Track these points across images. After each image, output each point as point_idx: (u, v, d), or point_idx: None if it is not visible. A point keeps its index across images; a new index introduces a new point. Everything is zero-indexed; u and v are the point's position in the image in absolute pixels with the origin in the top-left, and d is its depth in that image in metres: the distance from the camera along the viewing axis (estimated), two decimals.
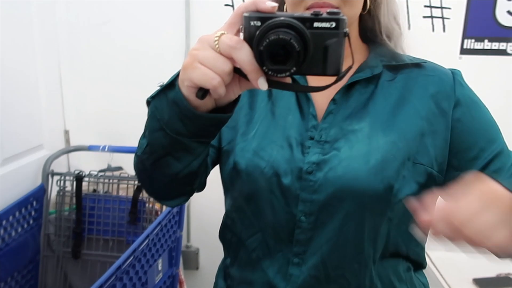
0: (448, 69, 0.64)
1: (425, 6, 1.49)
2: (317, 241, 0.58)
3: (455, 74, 0.62)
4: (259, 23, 0.41)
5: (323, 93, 0.49)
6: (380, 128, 0.58)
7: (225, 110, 0.48)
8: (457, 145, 0.59)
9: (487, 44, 1.49)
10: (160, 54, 1.49)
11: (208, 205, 1.65)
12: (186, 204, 1.46)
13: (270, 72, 0.41)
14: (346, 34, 0.42)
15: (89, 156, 1.47)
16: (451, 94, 0.60)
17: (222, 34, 0.43)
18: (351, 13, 0.57)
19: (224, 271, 0.71)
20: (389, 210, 0.57)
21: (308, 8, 0.55)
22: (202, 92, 0.44)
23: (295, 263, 0.60)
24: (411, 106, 0.60)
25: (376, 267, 0.60)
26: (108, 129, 1.53)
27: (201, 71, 0.43)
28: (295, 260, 0.60)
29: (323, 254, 0.58)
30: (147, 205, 1.26)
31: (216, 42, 0.42)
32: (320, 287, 0.60)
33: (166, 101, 0.48)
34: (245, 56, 0.41)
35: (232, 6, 1.46)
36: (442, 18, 1.50)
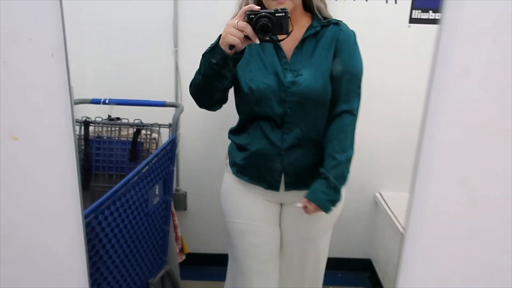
0: (350, 30, 1.15)
1: None
2: (296, 121, 1.10)
3: (342, 24, 1.14)
4: (253, 16, 0.96)
5: (290, 44, 1.09)
6: (320, 62, 1.08)
7: (238, 54, 0.99)
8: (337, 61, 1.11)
9: (431, 15, 1.78)
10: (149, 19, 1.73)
11: (194, 155, 1.94)
12: (176, 151, 1.73)
13: (259, 36, 0.96)
14: (289, 16, 0.96)
15: (91, 108, 1.71)
16: (346, 40, 1.10)
17: (238, 21, 0.96)
18: (296, 2, 1.08)
19: (236, 145, 1.21)
20: (326, 101, 1.11)
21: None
22: (230, 46, 0.97)
23: (286, 133, 1.11)
24: (330, 48, 1.09)
25: (323, 126, 1.14)
26: (107, 84, 1.77)
27: (230, 38, 0.96)
28: (285, 131, 1.11)
29: (300, 127, 1.11)
30: (144, 145, 1.53)
31: (235, 24, 0.96)
32: (299, 142, 1.12)
33: (213, 53, 1.00)
34: (249, 30, 0.95)
35: None
36: None
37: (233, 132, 1.23)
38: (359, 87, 1.13)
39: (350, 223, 1.99)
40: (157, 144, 1.56)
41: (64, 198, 0.55)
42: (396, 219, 1.74)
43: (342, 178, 1.10)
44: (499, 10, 0.46)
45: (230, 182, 1.24)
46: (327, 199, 1.08)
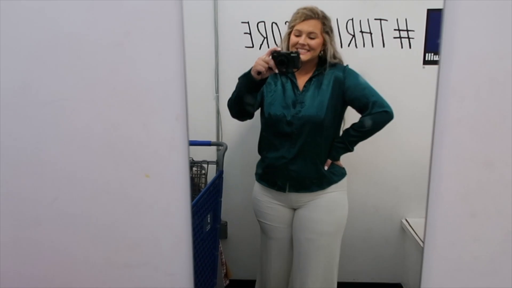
0: (345, 65, 1.58)
1: (395, 29, 2.02)
2: (301, 138, 1.50)
3: (346, 67, 1.56)
4: (276, 54, 1.40)
5: (302, 82, 1.55)
6: (320, 95, 1.51)
7: (262, 81, 1.43)
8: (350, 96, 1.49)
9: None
10: None
11: (233, 188, 2.18)
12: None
13: (278, 67, 1.41)
14: (299, 57, 1.41)
15: None
16: (344, 75, 1.49)
17: (265, 57, 1.40)
18: (315, 53, 1.53)
19: (260, 156, 1.65)
20: (323, 123, 1.48)
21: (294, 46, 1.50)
22: (258, 73, 1.42)
23: (292, 147, 1.51)
24: (329, 85, 1.50)
25: (324, 146, 1.53)
26: None
27: (259, 67, 1.41)
28: (292, 146, 1.52)
29: (303, 142, 1.50)
30: (195, 180, 1.78)
31: (263, 58, 1.40)
32: (301, 154, 1.51)
33: (246, 77, 1.45)
34: (272, 63, 1.40)
35: (250, 33, 2.00)
36: (408, 38, 2.03)
37: (259, 148, 1.65)
38: (371, 89, 1.52)
39: (379, 249, 2.16)
40: (205, 178, 1.80)
41: (177, 220, 0.79)
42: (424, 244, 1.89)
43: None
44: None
45: (257, 191, 1.68)
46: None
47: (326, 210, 1.58)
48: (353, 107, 1.55)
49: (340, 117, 1.56)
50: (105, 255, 0.82)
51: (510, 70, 0.67)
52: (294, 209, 1.63)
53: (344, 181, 1.63)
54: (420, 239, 1.93)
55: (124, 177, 0.77)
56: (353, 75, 1.54)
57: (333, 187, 1.58)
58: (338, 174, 1.59)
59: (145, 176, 0.77)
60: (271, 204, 1.64)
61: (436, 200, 0.73)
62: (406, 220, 2.11)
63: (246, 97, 1.49)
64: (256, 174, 1.68)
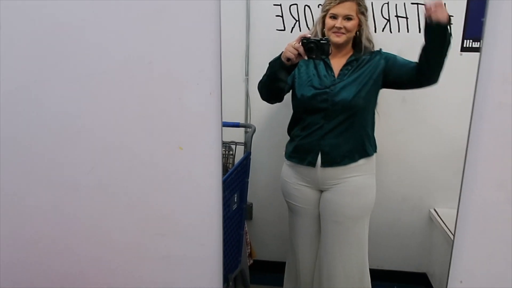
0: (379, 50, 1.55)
1: None
2: (334, 118, 1.51)
3: (381, 51, 1.54)
4: (305, 41, 1.36)
5: (337, 62, 1.53)
6: (357, 80, 1.51)
7: (292, 66, 1.43)
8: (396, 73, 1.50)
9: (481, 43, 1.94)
10: None
11: (259, 170, 2.19)
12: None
13: (307, 54, 1.38)
14: (329, 44, 1.37)
15: None
16: (382, 59, 1.51)
17: (295, 43, 1.37)
18: (351, 35, 1.51)
19: (289, 135, 1.66)
20: (354, 105, 1.49)
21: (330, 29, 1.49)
22: (288, 59, 1.40)
23: (326, 123, 1.53)
24: (373, 73, 1.49)
25: (357, 125, 1.54)
26: None
27: (288, 53, 1.39)
28: (325, 123, 1.53)
29: (336, 122, 1.52)
30: (223, 160, 1.80)
31: (293, 45, 1.38)
32: (335, 131, 1.52)
33: (276, 62, 1.45)
34: (301, 50, 1.37)
35: (282, 16, 1.98)
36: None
37: (289, 129, 1.67)
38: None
39: (406, 237, 2.14)
40: (233, 159, 1.83)
41: (209, 191, 0.81)
42: (452, 234, 1.86)
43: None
44: None
45: (285, 172, 1.72)
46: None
47: (353, 194, 1.59)
48: (403, 81, 1.53)
49: (375, 100, 1.56)
50: (139, 224, 0.85)
51: None
52: (321, 192, 1.65)
53: (372, 163, 1.63)
54: (448, 229, 1.90)
55: (158, 149, 0.79)
56: (391, 56, 1.55)
57: (363, 166, 1.59)
58: (369, 148, 1.60)
59: (179, 149, 0.79)
60: (298, 186, 1.67)
61: (471, 186, 0.72)
62: (435, 210, 2.08)
63: (277, 81, 1.49)
64: (286, 152, 1.70)
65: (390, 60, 1.53)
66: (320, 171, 1.59)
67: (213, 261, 0.84)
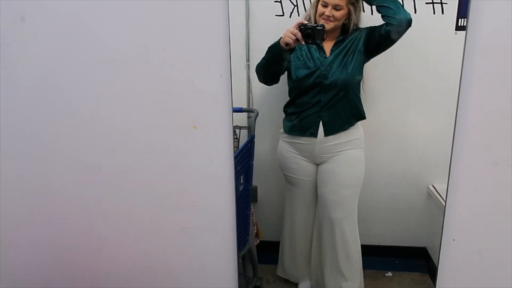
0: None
1: None
2: (330, 91, 1.64)
3: (367, 28, 1.66)
4: (303, 27, 1.49)
5: (328, 44, 1.66)
6: (345, 58, 1.64)
7: (290, 50, 1.55)
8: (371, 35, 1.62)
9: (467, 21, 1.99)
10: None
11: (263, 154, 2.26)
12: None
13: (305, 39, 1.51)
14: (324, 30, 1.50)
15: None
16: (363, 31, 1.63)
17: (293, 29, 1.49)
18: (338, 23, 1.63)
19: (285, 114, 1.78)
20: (349, 81, 1.62)
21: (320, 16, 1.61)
22: (286, 44, 1.52)
23: (322, 97, 1.65)
24: (357, 46, 1.62)
25: (352, 94, 1.68)
26: None
27: (287, 39, 1.51)
28: (322, 96, 1.65)
29: (332, 94, 1.64)
30: None
31: (291, 31, 1.50)
32: (330, 103, 1.65)
33: (275, 47, 1.57)
34: (299, 35, 1.49)
35: (280, 1, 2.03)
36: (441, 3, 2.00)
37: (286, 107, 1.78)
38: None
39: (405, 213, 2.22)
40: (238, 143, 1.90)
41: (222, 167, 0.88)
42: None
43: None
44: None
45: (282, 147, 1.84)
46: None
47: (347, 164, 1.75)
48: (377, 39, 1.63)
49: (362, 69, 1.71)
50: (158, 199, 0.93)
51: None
52: (317, 165, 1.79)
53: (363, 137, 1.79)
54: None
55: (174, 128, 0.87)
56: (369, 27, 1.68)
57: (355, 140, 1.75)
58: (362, 111, 1.77)
59: (193, 128, 0.86)
60: (296, 160, 1.80)
61: (461, 150, 0.80)
62: (433, 186, 2.16)
63: (275, 64, 1.63)
64: (285, 128, 1.82)
65: (368, 29, 1.68)
66: (318, 144, 1.72)
67: (227, 231, 0.92)
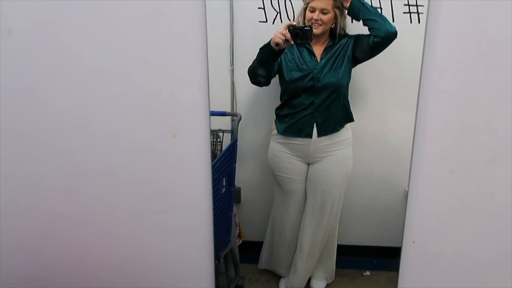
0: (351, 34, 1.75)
1: (405, 4, 2.09)
2: (322, 94, 1.73)
3: (351, 34, 1.74)
4: (292, 28, 1.55)
5: (318, 49, 1.76)
6: (335, 62, 1.73)
7: (280, 51, 1.61)
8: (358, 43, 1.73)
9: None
10: None
11: (247, 156, 2.32)
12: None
13: (294, 39, 1.56)
14: (312, 31, 1.57)
15: None
16: (352, 38, 1.72)
17: (282, 30, 1.56)
18: (326, 27, 1.71)
19: (277, 116, 1.85)
20: (339, 83, 1.71)
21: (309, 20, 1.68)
22: (276, 44, 1.58)
23: (315, 98, 1.73)
24: (346, 52, 1.71)
25: (343, 97, 1.77)
26: None
27: (277, 39, 1.57)
28: (315, 98, 1.74)
29: (324, 97, 1.73)
30: (211, 146, 1.93)
31: (281, 32, 1.56)
32: (323, 105, 1.74)
33: (266, 48, 1.63)
34: (288, 36, 1.55)
35: (264, 8, 2.10)
36: (417, 13, 2.09)
37: (278, 109, 1.86)
38: None
39: (383, 215, 2.30)
40: (221, 146, 1.96)
41: (200, 173, 0.94)
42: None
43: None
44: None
45: (275, 149, 1.92)
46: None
47: (338, 163, 1.87)
48: (365, 47, 1.73)
49: (350, 74, 1.81)
50: (139, 203, 0.99)
51: (483, 51, 0.79)
52: (309, 165, 1.89)
53: (351, 137, 1.90)
54: None
55: (155, 137, 0.93)
56: (356, 35, 1.77)
57: (346, 140, 1.87)
58: (350, 113, 1.86)
59: (173, 136, 0.92)
60: (290, 159, 1.89)
61: (419, 159, 0.87)
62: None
63: (266, 65, 1.73)
64: (279, 130, 1.90)
65: (356, 37, 1.79)
66: (312, 144, 1.82)
67: (204, 232, 0.98)
